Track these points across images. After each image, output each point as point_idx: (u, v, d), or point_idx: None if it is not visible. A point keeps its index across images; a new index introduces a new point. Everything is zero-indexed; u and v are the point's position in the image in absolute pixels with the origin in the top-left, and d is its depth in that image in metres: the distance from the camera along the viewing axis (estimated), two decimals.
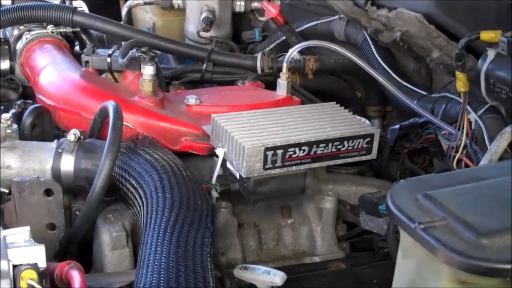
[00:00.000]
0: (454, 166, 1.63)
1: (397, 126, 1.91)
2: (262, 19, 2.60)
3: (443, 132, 1.73)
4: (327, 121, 1.59)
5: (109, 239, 1.40)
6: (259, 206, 1.63)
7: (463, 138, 1.62)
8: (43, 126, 1.68)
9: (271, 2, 2.39)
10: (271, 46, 2.42)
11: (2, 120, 1.54)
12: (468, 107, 1.64)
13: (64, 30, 2.11)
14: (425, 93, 1.91)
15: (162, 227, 1.26)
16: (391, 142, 1.90)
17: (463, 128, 1.63)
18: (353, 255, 1.69)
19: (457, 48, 1.64)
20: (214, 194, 1.55)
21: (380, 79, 1.78)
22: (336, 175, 1.74)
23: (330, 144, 1.53)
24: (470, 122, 1.64)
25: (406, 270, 1.03)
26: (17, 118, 1.67)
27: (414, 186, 1.03)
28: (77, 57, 1.97)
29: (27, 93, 2.03)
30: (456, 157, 1.63)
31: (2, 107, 1.69)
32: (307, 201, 1.66)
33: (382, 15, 1.95)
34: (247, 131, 1.51)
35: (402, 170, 1.90)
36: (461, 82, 1.60)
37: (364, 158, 1.60)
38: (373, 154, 1.60)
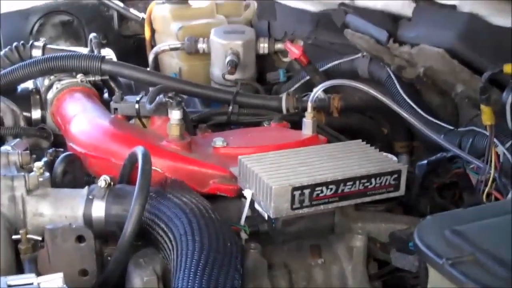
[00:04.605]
0: (484, 200, 1.62)
1: (425, 162, 1.89)
2: (285, 59, 2.63)
3: (471, 166, 1.71)
4: (353, 159, 1.59)
5: (141, 284, 1.40)
6: (288, 246, 1.63)
7: (492, 172, 1.61)
8: (74, 173, 1.71)
9: (294, 43, 2.43)
10: (296, 86, 2.43)
11: (34, 168, 1.56)
12: (495, 140, 1.63)
13: (93, 78, 2.16)
14: (451, 127, 1.90)
15: (192, 270, 1.27)
16: (419, 177, 1.89)
17: (491, 161, 1.62)
18: None
19: (481, 82, 1.63)
20: (243, 235, 1.55)
21: (405, 115, 1.78)
22: (365, 212, 1.73)
23: (357, 182, 1.53)
24: (498, 155, 1.62)
25: None
26: (49, 166, 1.69)
27: (441, 222, 1.03)
28: (106, 104, 2.01)
29: (59, 141, 2.06)
30: (486, 191, 1.62)
31: (34, 156, 1.72)
32: (336, 240, 1.64)
33: (405, 52, 1.96)
34: (274, 171, 1.52)
35: (432, 206, 1.88)
36: (486, 115, 1.60)
37: (392, 195, 1.59)
38: (401, 191, 1.60)
